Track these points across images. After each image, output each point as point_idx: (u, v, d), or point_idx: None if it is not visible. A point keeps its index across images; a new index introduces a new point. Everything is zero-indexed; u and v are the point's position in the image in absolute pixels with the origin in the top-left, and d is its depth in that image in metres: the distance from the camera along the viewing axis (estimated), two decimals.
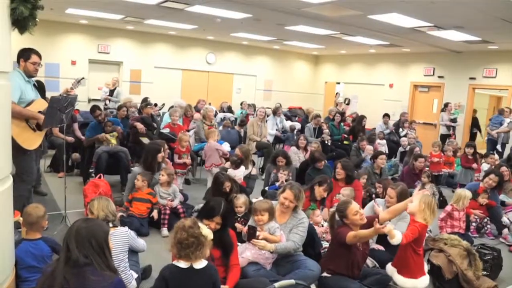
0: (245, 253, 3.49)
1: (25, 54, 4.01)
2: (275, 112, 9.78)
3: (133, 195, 4.94)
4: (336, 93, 14.68)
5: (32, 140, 4.00)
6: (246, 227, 3.41)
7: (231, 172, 5.64)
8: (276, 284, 2.80)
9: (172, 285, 2.37)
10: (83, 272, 1.98)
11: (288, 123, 10.05)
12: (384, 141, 9.23)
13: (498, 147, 9.52)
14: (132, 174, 5.27)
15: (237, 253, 3.27)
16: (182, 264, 2.39)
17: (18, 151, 3.90)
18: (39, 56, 4.10)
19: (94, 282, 1.96)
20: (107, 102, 10.44)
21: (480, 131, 11.54)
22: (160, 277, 2.41)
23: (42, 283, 2.03)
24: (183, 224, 2.44)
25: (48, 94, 5.55)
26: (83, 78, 4.79)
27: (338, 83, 15.08)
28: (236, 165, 5.78)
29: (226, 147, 6.99)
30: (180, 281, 2.38)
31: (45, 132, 4.30)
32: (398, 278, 3.33)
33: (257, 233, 3.42)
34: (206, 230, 2.52)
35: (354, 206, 3.51)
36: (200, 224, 2.52)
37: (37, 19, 3.09)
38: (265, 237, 3.46)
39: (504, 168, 6.20)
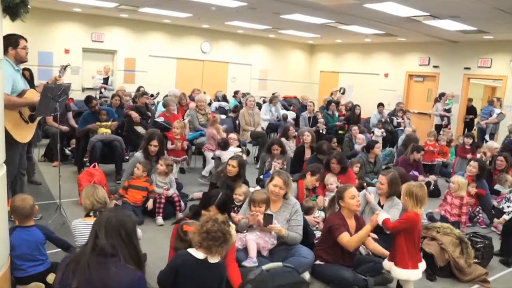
0: (248, 236, 3.56)
1: (12, 41, 3.84)
2: (271, 100, 9.76)
3: (129, 182, 4.94)
4: (340, 88, 14.55)
5: (26, 133, 3.96)
6: (262, 215, 3.51)
7: (218, 153, 6.13)
8: (264, 267, 2.85)
9: (182, 273, 2.37)
10: (107, 263, 1.98)
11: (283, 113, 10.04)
12: (382, 130, 9.27)
13: (487, 137, 9.60)
14: (134, 159, 5.24)
15: (234, 248, 3.28)
16: (198, 254, 2.39)
17: (7, 143, 3.86)
18: (25, 39, 3.98)
19: (115, 274, 1.95)
20: (103, 90, 10.38)
21: (475, 116, 11.54)
22: (172, 263, 2.43)
23: (66, 265, 2.02)
24: (216, 217, 2.43)
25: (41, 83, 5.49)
26: (68, 65, 4.73)
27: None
28: (221, 147, 6.13)
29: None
30: (191, 270, 2.38)
31: (37, 124, 4.25)
32: (389, 266, 3.32)
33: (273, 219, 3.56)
34: (234, 232, 2.55)
35: (353, 190, 3.62)
36: (231, 223, 2.54)
37: (29, 6, 3.05)
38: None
39: (500, 158, 6.28)
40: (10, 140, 3.70)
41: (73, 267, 1.98)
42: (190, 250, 2.42)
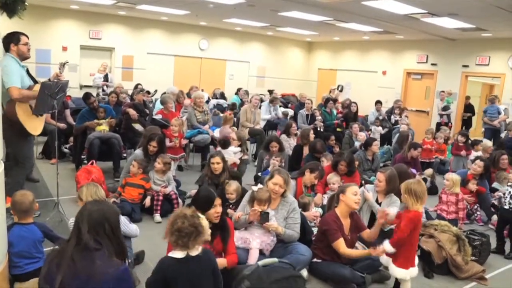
0: (252, 243, 3.56)
1: (14, 38, 3.94)
2: (272, 101, 9.72)
3: (126, 180, 4.96)
4: (338, 86, 14.51)
5: (36, 125, 4.11)
6: (259, 213, 3.50)
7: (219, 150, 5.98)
8: (260, 262, 2.86)
9: (170, 276, 2.35)
10: (92, 256, 1.98)
11: (281, 110, 10.03)
12: (380, 128, 9.26)
13: (502, 135, 9.52)
14: (133, 156, 5.26)
15: (233, 241, 3.33)
16: (178, 254, 2.37)
17: (22, 137, 3.95)
18: (27, 36, 4.07)
19: (100, 266, 1.96)
20: (105, 88, 10.35)
21: (473, 114, 11.54)
22: (156, 270, 2.40)
23: (50, 260, 2.02)
24: (184, 213, 2.41)
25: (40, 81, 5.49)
26: (67, 62, 4.80)
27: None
28: (221, 145, 6.02)
29: (217, 134, 7.13)
30: (177, 271, 2.36)
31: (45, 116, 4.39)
32: (386, 261, 3.29)
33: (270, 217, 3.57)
34: (204, 221, 2.55)
35: (357, 188, 3.64)
36: (199, 214, 2.54)
37: (26, 3, 3.06)
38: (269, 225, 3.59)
39: (505, 156, 6.27)
40: (23, 133, 3.81)
41: (57, 262, 1.98)
42: (170, 254, 2.41)
